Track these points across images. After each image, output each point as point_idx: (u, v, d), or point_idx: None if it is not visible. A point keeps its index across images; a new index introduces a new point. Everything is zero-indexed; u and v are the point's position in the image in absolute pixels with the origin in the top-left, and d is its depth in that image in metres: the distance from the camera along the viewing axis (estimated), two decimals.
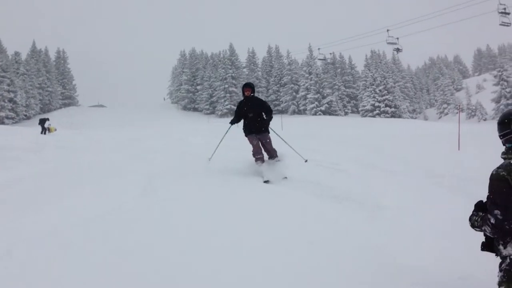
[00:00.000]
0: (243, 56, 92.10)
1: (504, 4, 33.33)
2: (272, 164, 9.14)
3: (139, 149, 15.95)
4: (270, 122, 9.37)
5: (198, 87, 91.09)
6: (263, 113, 9.28)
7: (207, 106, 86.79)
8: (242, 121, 9.53)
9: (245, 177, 8.85)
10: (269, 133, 9.40)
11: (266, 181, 8.52)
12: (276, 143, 9.63)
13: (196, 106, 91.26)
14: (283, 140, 10.11)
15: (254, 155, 9.24)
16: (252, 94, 9.31)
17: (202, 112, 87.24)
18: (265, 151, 9.34)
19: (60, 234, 5.06)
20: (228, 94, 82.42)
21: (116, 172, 9.92)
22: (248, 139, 9.34)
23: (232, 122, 9.78)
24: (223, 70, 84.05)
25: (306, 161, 9.78)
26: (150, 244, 4.72)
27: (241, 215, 6.04)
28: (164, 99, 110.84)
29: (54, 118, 57.99)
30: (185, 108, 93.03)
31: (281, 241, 4.93)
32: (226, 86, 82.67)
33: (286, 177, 8.60)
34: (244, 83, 9.71)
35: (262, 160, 9.15)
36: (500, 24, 34.80)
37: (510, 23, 34.60)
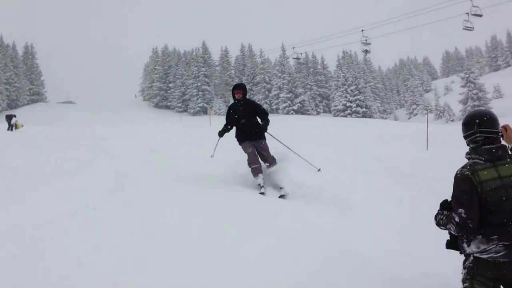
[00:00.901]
0: (216, 54, 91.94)
1: (477, 6, 33.55)
2: (269, 173, 8.21)
3: (107, 147, 15.73)
4: (268, 127, 8.19)
5: (171, 85, 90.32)
6: (258, 118, 8.29)
7: (180, 104, 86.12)
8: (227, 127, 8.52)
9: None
10: (265, 139, 8.35)
11: (262, 193, 7.65)
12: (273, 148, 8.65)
13: (169, 103, 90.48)
14: (287, 147, 8.92)
15: (249, 164, 8.13)
16: (244, 97, 8.30)
17: (174, 110, 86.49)
18: (262, 159, 8.31)
19: (24, 233, 4.92)
20: (200, 92, 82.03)
21: (83, 170, 9.74)
22: (242, 147, 8.30)
23: (221, 133, 8.64)
24: (196, 68, 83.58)
25: (319, 170, 8.65)
26: (119, 244, 4.65)
27: (212, 213, 6.02)
28: (136, 96, 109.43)
29: (21, 114, 56.64)
30: (157, 105, 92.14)
31: (251, 239, 4.93)
32: (199, 84, 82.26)
33: (283, 194, 7.52)
34: (234, 84, 8.60)
35: (259, 170, 8.03)
36: (464, 29, 35.28)
37: (473, 28, 35.13)
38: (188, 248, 4.57)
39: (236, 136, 8.37)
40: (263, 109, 8.46)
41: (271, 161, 8.33)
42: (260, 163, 8.19)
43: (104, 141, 18.72)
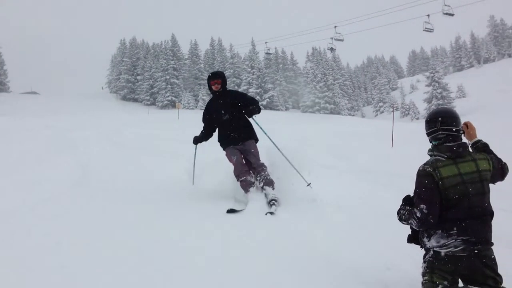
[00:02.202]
0: (185, 48, 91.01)
1: (449, 6, 33.92)
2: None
3: (70, 138, 15.37)
4: (257, 118, 6.55)
5: (139, 77, 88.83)
6: (244, 111, 6.37)
7: (148, 97, 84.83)
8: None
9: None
10: (256, 140, 6.56)
11: (230, 211, 5.77)
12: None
13: (136, 96, 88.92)
14: (280, 151, 6.63)
15: (237, 177, 6.26)
16: (224, 88, 6.46)
17: (142, 103, 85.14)
18: (250, 168, 6.37)
19: None
20: (169, 86, 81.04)
21: (44, 162, 9.49)
22: (226, 154, 6.43)
23: (197, 141, 6.77)
24: (165, 61, 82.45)
25: (309, 184, 6.60)
26: (79, 239, 4.55)
27: (174, 205, 5.97)
28: (102, 88, 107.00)
29: None
30: (124, 98, 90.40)
31: (217, 233, 4.91)
32: (168, 77, 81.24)
33: (273, 212, 5.79)
34: (210, 73, 6.53)
35: (249, 184, 6.18)
36: (424, 30, 35.98)
37: (433, 29, 35.86)
38: (151, 245, 4.51)
39: (219, 139, 6.58)
40: (251, 97, 6.57)
41: (259, 170, 6.31)
42: (250, 173, 6.31)
43: (67, 133, 18.26)
